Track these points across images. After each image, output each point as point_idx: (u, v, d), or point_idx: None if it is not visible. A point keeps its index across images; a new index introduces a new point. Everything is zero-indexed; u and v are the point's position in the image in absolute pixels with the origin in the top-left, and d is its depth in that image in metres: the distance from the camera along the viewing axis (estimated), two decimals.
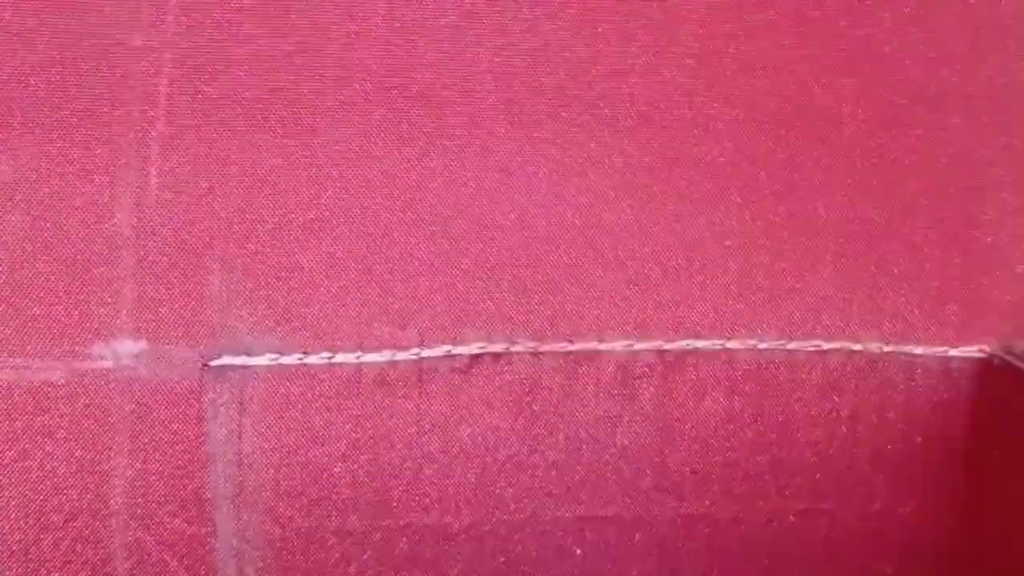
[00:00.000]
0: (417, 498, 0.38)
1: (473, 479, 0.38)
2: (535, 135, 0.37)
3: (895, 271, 0.38)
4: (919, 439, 0.39)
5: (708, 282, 0.38)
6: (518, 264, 0.37)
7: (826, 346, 0.38)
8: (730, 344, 0.38)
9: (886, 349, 0.38)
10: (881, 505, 0.39)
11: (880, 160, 0.38)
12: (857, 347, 0.38)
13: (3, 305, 0.35)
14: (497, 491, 0.38)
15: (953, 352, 0.39)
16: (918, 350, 0.39)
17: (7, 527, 0.35)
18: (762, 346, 0.38)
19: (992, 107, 0.38)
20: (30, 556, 0.36)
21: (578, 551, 0.39)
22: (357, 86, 0.36)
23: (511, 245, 0.37)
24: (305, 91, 0.36)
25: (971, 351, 0.39)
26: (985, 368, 0.39)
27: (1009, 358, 0.38)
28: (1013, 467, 0.39)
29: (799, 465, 0.39)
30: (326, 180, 0.36)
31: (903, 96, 0.37)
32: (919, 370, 0.39)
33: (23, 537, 0.36)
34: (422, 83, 0.36)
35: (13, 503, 0.36)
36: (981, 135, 0.38)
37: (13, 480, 0.35)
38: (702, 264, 0.38)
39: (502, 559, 0.38)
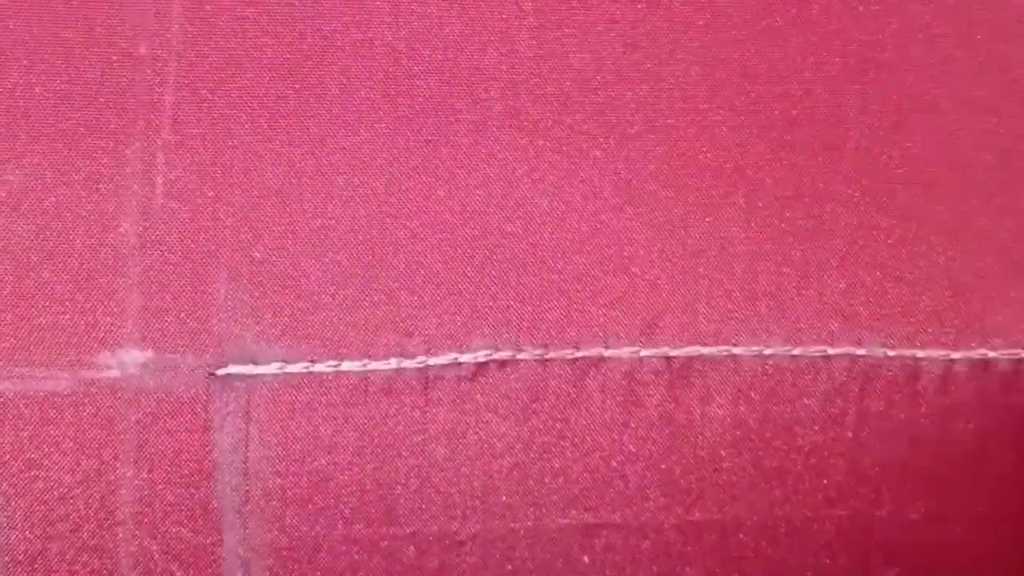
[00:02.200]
0: (423, 506, 0.38)
1: (479, 486, 0.38)
2: (540, 143, 0.37)
3: (899, 276, 0.38)
4: (924, 444, 0.39)
5: (714, 288, 0.38)
6: (524, 271, 0.37)
7: (831, 351, 0.38)
8: (736, 350, 0.38)
9: (890, 354, 0.39)
10: (888, 511, 0.39)
11: (886, 165, 0.38)
12: (861, 352, 0.38)
13: (9, 315, 0.35)
14: (503, 498, 0.38)
15: (955, 355, 0.39)
16: (921, 354, 0.39)
17: (14, 537, 0.36)
18: (767, 352, 0.38)
19: (993, 111, 0.38)
20: (36, 566, 0.36)
21: (585, 559, 0.39)
22: (362, 95, 0.36)
23: (516, 252, 0.37)
24: (310, 100, 0.36)
25: (973, 355, 0.39)
26: (988, 371, 0.39)
27: (1009, 359, 0.38)
28: (1019, 470, 0.39)
29: (805, 471, 0.39)
30: (332, 189, 0.36)
31: (907, 102, 0.38)
32: (922, 374, 0.39)
33: (29, 547, 0.36)
34: (427, 92, 0.36)
35: (19, 513, 0.36)
36: (983, 140, 0.38)
37: (20, 490, 0.36)
38: (707, 270, 0.38)
39: (508, 567, 0.38)
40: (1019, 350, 0.39)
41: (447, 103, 0.36)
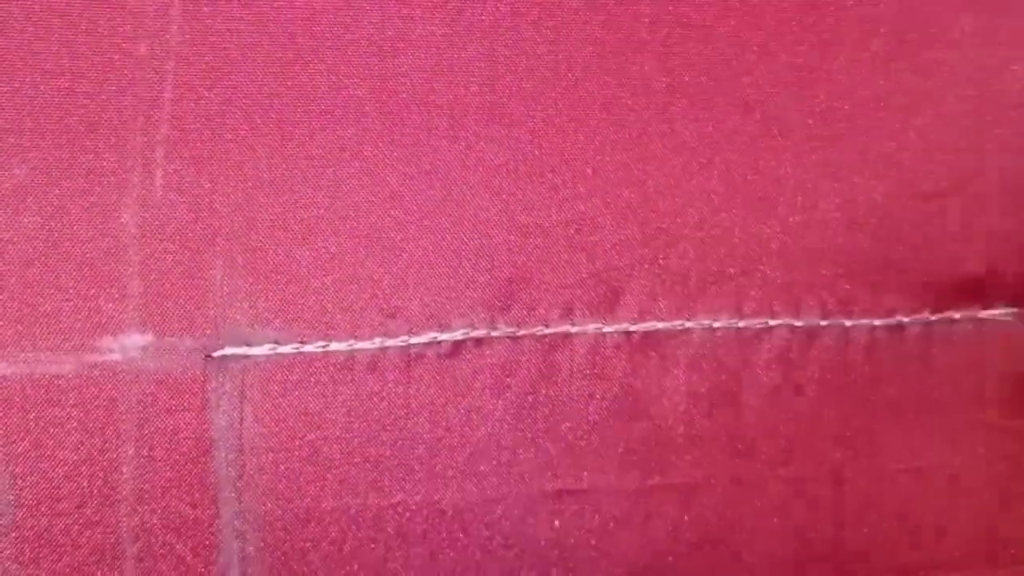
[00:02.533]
0: (407, 477, 0.40)
1: (459, 457, 0.40)
2: (515, 134, 0.39)
3: (836, 258, 0.42)
4: (856, 406, 0.43)
5: (670, 267, 0.41)
6: (498, 256, 0.40)
7: (772, 323, 0.42)
8: (688, 324, 0.41)
9: (823, 323, 0.42)
10: (829, 468, 0.43)
11: (829, 150, 0.41)
12: (799, 323, 0.42)
13: (15, 302, 0.37)
14: (481, 467, 0.40)
15: (877, 323, 0.42)
16: (848, 322, 0.42)
17: (21, 514, 0.37)
18: (716, 325, 0.41)
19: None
20: (42, 541, 0.37)
21: (556, 523, 0.41)
22: (350, 91, 0.38)
23: (492, 237, 0.40)
24: (301, 96, 0.38)
25: (891, 321, 0.43)
26: (903, 335, 0.43)
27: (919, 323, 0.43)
28: (944, 424, 0.43)
29: (755, 434, 0.42)
30: (321, 180, 0.38)
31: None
32: (851, 342, 0.42)
33: (36, 523, 0.37)
34: (411, 88, 0.38)
35: (27, 491, 0.37)
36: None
37: (27, 469, 0.37)
38: (664, 252, 0.41)
39: (486, 532, 0.40)
40: (927, 314, 0.43)
41: (429, 98, 0.39)
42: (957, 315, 0.43)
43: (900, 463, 0.43)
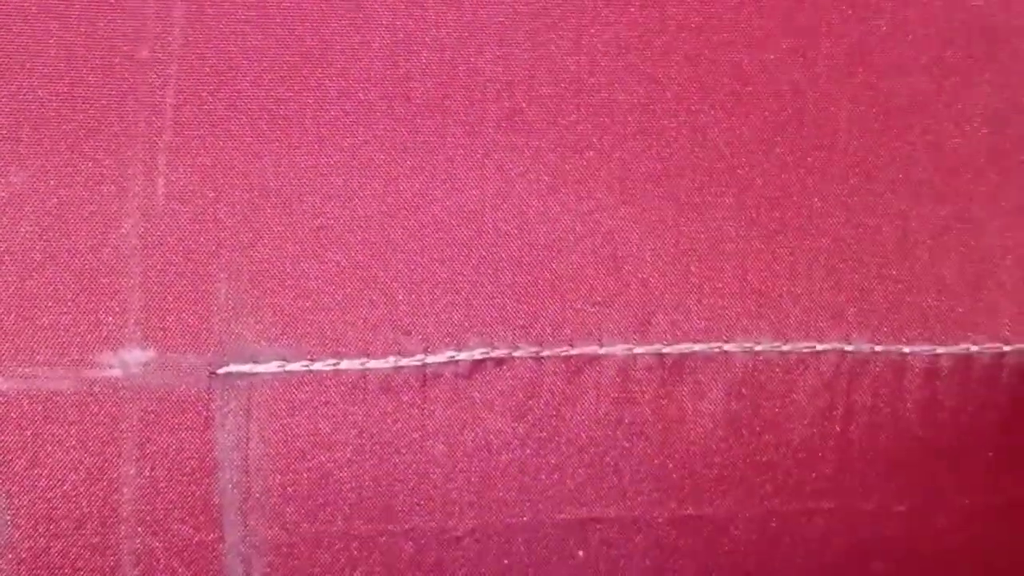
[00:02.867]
0: (421, 502, 0.38)
1: (476, 482, 0.38)
2: (535, 143, 0.38)
3: (885, 273, 0.39)
4: (910, 438, 0.40)
5: (705, 286, 0.39)
6: (520, 270, 0.38)
7: (819, 347, 0.39)
8: (727, 347, 0.39)
9: (876, 349, 0.39)
10: (875, 504, 0.40)
11: (873, 165, 0.39)
12: (849, 348, 0.39)
13: (12, 315, 0.36)
14: (500, 494, 0.39)
15: (940, 350, 0.40)
16: (907, 349, 0.39)
17: (17, 535, 0.36)
18: (758, 348, 0.39)
19: (982, 112, 0.39)
20: (39, 563, 0.36)
21: (580, 553, 0.39)
22: (360, 96, 0.37)
23: (513, 252, 0.38)
24: (309, 102, 0.37)
25: (956, 349, 0.40)
26: (970, 366, 0.40)
27: (990, 354, 0.39)
28: (1000, 463, 0.40)
29: (795, 465, 0.40)
30: (330, 189, 0.37)
31: (896, 102, 0.39)
32: (908, 369, 0.40)
33: (33, 545, 0.36)
34: (424, 93, 0.37)
35: (23, 511, 0.36)
36: (972, 141, 0.39)
37: (24, 488, 0.36)
38: (698, 268, 0.39)
39: (505, 561, 0.39)
40: (1000, 344, 0.40)
41: (443, 104, 0.37)
42: (1008, 348, 0.40)
43: (957, 501, 0.40)
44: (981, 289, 0.40)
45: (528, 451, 0.39)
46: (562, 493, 0.39)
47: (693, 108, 0.38)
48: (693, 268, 0.39)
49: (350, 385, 0.37)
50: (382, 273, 0.37)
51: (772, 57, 0.38)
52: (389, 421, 0.38)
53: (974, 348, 0.40)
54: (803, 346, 0.39)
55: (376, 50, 0.37)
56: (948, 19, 0.39)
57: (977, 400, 0.40)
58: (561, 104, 0.37)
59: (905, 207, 0.39)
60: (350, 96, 0.37)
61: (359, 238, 0.37)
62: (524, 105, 0.37)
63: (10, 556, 0.36)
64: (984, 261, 0.40)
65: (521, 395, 0.38)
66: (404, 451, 0.38)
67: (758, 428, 0.39)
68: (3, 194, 0.36)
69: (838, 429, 0.40)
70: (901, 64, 0.39)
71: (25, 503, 0.36)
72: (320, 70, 0.36)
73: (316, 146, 0.37)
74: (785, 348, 0.39)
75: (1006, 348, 0.40)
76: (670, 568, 0.40)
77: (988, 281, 0.40)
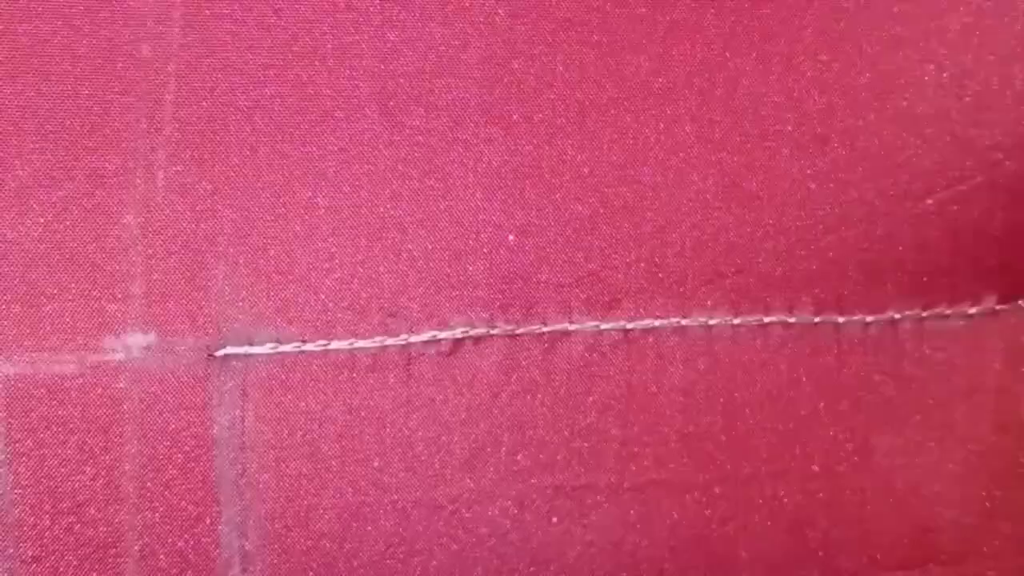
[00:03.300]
0: (407, 474, 0.40)
1: (458, 454, 0.40)
2: (514, 134, 0.40)
3: (827, 254, 0.42)
4: (848, 402, 0.43)
5: (665, 265, 0.41)
6: (497, 255, 0.40)
7: (766, 319, 0.42)
8: (684, 322, 0.42)
9: (816, 320, 0.43)
10: (820, 464, 0.43)
11: (820, 151, 0.42)
12: (792, 319, 0.43)
13: (19, 303, 0.37)
14: (479, 464, 0.41)
15: (869, 319, 0.43)
16: (841, 319, 0.43)
17: (24, 512, 0.37)
18: (712, 322, 0.42)
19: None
20: (45, 539, 0.37)
21: (554, 519, 0.42)
22: (350, 92, 0.38)
23: (492, 237, 0.40)
24: (302, 98, 0.38)
25: (884, 318, 0.43)
26: (896, 330, 0.43)
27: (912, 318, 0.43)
28: (929, 418, 0.44)
29: (747, 430, 0.43)
30: (322, 181, 0.39)
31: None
32: (844, 337, 0.43)
33: (38, 522, 0.37)
34: (411, 88, 0.39)
35: (30, 490, 0.37)
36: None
37: (30, 468, 0.37)
38: (661, 250, 0.41)
39: (484, 529, 0.41)
40: (919, 310, 0.43)
41: (429, 99, 0.39)
42: (949, 311, 0.44)
43: (894, 460, 0.44)
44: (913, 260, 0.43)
45: (505, 424, 0.41)
46: (537, 463, 0.41)
47: (658, 102, 0.41)
48: (655, 249, 0.41)
49: (339, 364, 0.39)
50: (370, 259, 0.39)
51: (734, 53, 0.41)
52: (376, 397, 0.40)
53: (896, 315, 0.43)
54: (752, 319, 0.42)
55: (366, 48, 0.38)
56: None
57: (887, 363, 0.43)
58: (538, 98, 0.40)
59: (843, 185, 0.42)
60: (341, 92, 0.38)
61: (348, 226, 0.39)
62: (503, 99, 0.39)
63: (16, 534, 0.37)
64: (918, 235, 0.43)
65: (499, 371, 0.41)
66: (390, 426, 0.40)
67: (712, 394, 0.42)
68: (10, 188, 0.37)
69: (787, 395, 0.43)
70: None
71: (31, 482, 0.37)
72: (313, 67, 0.38)
73: (308, 140, 0.38)
74: (736, 321, 0.42)
75: (924, 314, 0.44)
76: (637, 532, 0.42)
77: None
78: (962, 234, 0.43)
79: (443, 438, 0.40)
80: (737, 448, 0.43)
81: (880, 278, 0.43)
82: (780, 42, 0.41)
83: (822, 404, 0.43)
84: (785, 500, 0.43)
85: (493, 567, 0.41)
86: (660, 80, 0.41)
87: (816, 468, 0.43)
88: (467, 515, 0.41)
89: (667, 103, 0.41)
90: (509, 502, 0.41)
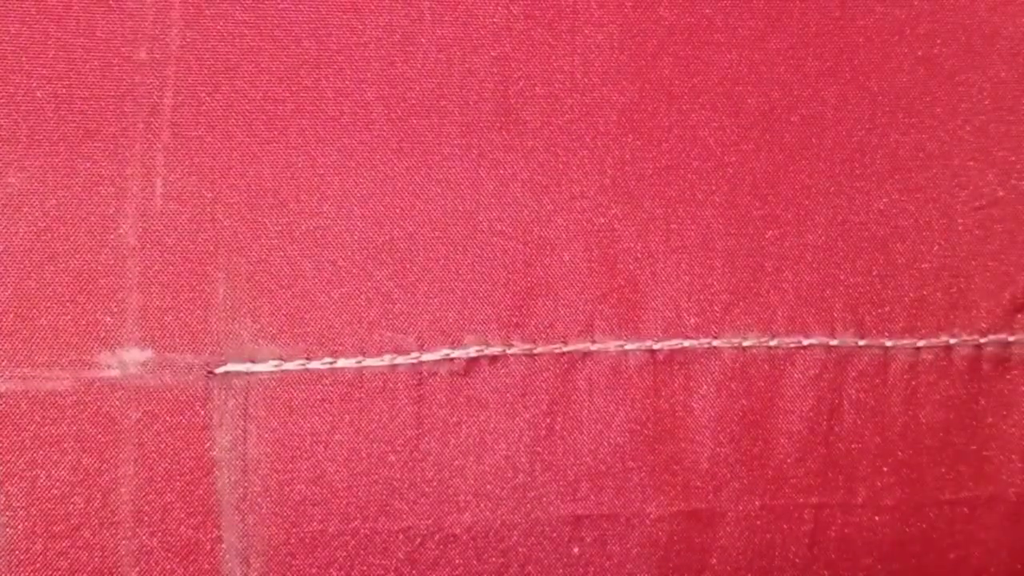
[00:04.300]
0: (418, 500, 0.38)
1: (472, 480, 0.39)
2: (528, 142, 0.38)
3: (872, 271, 0.40)
4: (896, 431, 0.41)
5: (695, 283, 0.39)
6: (514, 268, 0.38)
7: (806, 342, 0.40)
8: (716, 343, 0.39)
9: (861, 343, 0.40)
10: (863, 498, 0.41)
11: (861, 163, 0.39)
12: (835, 342, 0.40)
13: (10, 316, 0.36)
14: (495, 491, 0.39)
15: (920, 343, 0.40)
16: (889, 343, 0.40)
17: (16, 536, 0.36)
18: (746, 344, 0.40)
19: (972, 109, 0.40)
20: (38, 565, 0.36)
21: (575, 550, 0.40)
22: (356, 97, 0.37)
23: (507, 250, 0.38)
24: (306, 103, 0.37)
25: (937, 342, 0.40)
26: (951, 357, 0.40)
27: (970, 345, 0.40)
28: (989, 456, 0.41)
29: (784, 459, 0.40)
30: (327, 189, 0.37)
31: (883, 100, 0.39)
32: (892, 362, 0.40)
33: (31, 546, 0.36)
34: (420, 93, 0.37)
35: (21, 512, 0.36)
36: (959, 138, 0.40)
37: (22, 489, 0.36)
38: (689, 265, 0.39)
39: (500, 560, 0.39)
40: (977, 336, 0.40)
41: (439, 104, 0.37)
42: (1011, 337, 0.41)
43: (943, 494, 0.41)
44: (959, 282, 0.40)
45: (522, 448, 0.39)
46: (556, 490, 0.39)
47: (684, 107, 0.39)
48: (683, 265, 0.39)
49: (346, 383, 0.38)
50: (378, 272, 0.38)
51: (761, 57, 0.39)
52: (385, 419, 0.38)
53: (952, 340, 0.40)
54: (790, 341, 0.40)
55: (372, 51, 0.37)
56: (931, 19, 0.40)
57: (957, 392, 0.41)
58: (554, 104, 0.38)
59: (892, 205, 0.40)
60: (347, 97, 0.37)
61: (355, 238, 0.37)
62: (517, 105, 0.38)
63: (8, 557, 0.36)
64: (961, 255, 0.40)
65: (516, 392, 0.39)
66: (400, 449, 0.38)
67: (747, 423, 0.40)
68: (2, 195, 0.36)
69: (825, 424, 0.40)
70: (886, 63, 0.39)
71: (23, 504, 0.36)
72: (317, 71, 0.37)
73: (313, 147, 0.37)
74: (772, 343, 0.40)
75: (982, 340, 0.40)
76: (664, 564, 0.40)
77: (964, 275, 0.40)
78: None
79: (456, 463, 0.38)
80: (772, 478, 0.40)
81: (930, 300, 0.40)
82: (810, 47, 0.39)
83: (867, 437, 0.40)
84: (831, 533, 0.41)
85: None
86: (685, 84, 0.38)
87: (860, 500, 0.41)
88: (482, 544, 0.39)
89: (691, 108, 0.38)
90: (526, 530, 0.39)
